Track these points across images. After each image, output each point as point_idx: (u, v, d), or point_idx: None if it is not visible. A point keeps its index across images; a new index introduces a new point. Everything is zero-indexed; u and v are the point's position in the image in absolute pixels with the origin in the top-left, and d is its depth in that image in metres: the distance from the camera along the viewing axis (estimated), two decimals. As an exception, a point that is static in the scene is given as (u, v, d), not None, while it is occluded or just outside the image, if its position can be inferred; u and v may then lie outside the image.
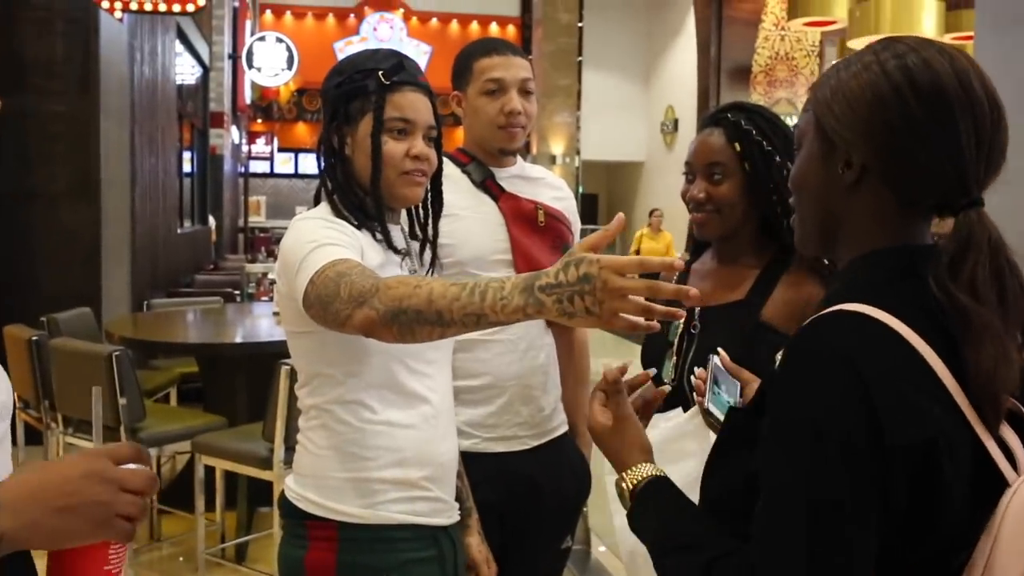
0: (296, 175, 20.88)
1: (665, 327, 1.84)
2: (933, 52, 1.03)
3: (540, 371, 2.15)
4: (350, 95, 1.70)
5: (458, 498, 1.80)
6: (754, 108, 1.83)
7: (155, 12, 6.02)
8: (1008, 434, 0.95)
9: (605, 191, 22.84)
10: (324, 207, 1.70)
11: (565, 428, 2.24)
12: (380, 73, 1.68)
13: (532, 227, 2.17)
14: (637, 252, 13.89)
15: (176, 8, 6.02)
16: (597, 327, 1.19)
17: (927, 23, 14.37)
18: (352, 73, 1.71)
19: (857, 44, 15.35)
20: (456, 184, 2.13)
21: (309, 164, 20.67)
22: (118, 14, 5.84)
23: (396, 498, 1.64)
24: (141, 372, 4.72)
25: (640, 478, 1.16)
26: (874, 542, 0.92)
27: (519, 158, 2.25)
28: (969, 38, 12.59)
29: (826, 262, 1.74)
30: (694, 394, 1.44)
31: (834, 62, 1.11)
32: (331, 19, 21.29)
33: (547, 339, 2.20)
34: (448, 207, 1.96)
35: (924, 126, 1.00)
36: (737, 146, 1.77)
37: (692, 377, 1.45)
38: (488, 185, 2.16)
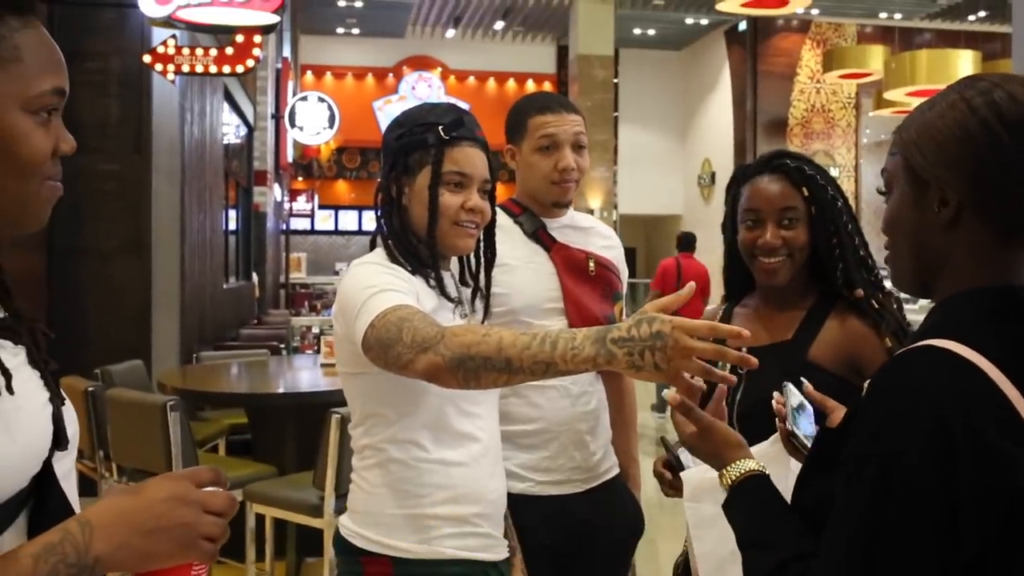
0: (336, 232, 21.14)
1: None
2: (1017, 86, 1.04)
3: (591, 416, 2.20)
4: (410, 148, 1.76)
5: (504, 536, 1.85)
6: (803, 156, 1.89)
7: (206, 73, 6.20)
8: None
9: (643, 245, 22.90)
10: (380, 252, 1.77)
11: (616, 471, 2.28)
12: (440, 128, 1.75)
13: (583, 276, 2.23)
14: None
15: (226, 69, 6.20)
16: (659, 381, 1.27)
17: (963, 74, 14.37)
18: (413, 126, 1.78)
19: (893, 96, 15.45)
20: (509, 235, 2.19)
21: (349, 221, 20.94)
22: (170, 76, 6.03)
23: (449, 534, 1.69)
24: (191, 424, 4.81)
25: (739, 473, 1.21)
26: None
27: (570, 207, 2.31)
28: (1006, 88, 12.55)
29: (874, 302, 1.78)
30: (776, 420, 1.48)
31: (917, 104, 1.12)
32: (370, 79, 21.70)
33: (598, 385, 2.25)
34: (501, 257, 2.02)
35: (1015, 157, 1.02)
36: (805, 191, 1.82)
37: (772, 401, 1.49)
38: (540, 235, 2.23)
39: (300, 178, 21.10)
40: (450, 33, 21.40)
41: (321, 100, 15.31)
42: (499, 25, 20.90)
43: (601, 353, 1.28)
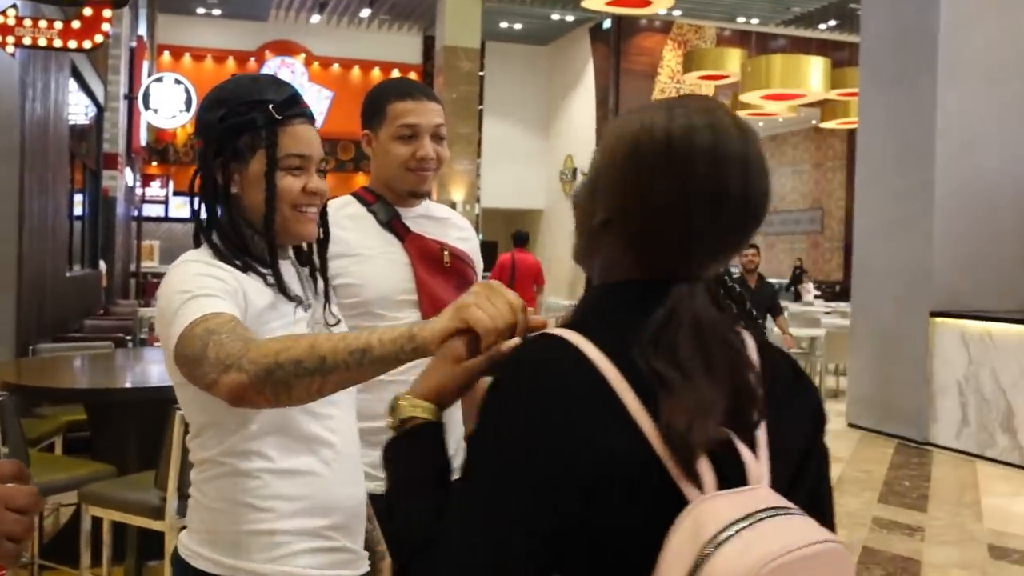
0: (192, 219, 20.49)
1: None
2: (706, 129, 1.01)
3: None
4: (237, 129, 1.58)
5: (370, 543, 1.74)
6: None
7: (50, 48, 5.87)
8: (701, 461, 0.96)
9: (505, 239, 23.01)
10: (204, 250, 1.60)
11: (470, 470, 2.22)
12: (271, 106, 1.59)
13: (438, 268, 2.17)
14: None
15: (72, 44, 5.87)
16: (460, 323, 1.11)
17: (814, 79, 15.03)
18: (237, 105, 1.59)
19: (748, 98, 15.98)
20: (362, 224, 2.12)
21: (206, 208, 20.33)
22: (10, 48, 5.68)
23: (298, 551, 1.55)
24: (25, 421, 4.52)
25: (419, 412, 1.09)
26: (539, 562, 0.94)
27: (425, 198, 2.25)
28: (854, 94, 13.18)
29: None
30: None
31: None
32: (231, 62, 21.11)
33: (451, 381, 2.19)
34: (353, 247, 1.91)
35: (663, 200, 1.00)
36: None
37: None
38: (394, 225, 2.16)
39: (154, 163, 20.38)
40: (315, 19, 21.02)
41: (178, 82, 14.80)
42: (365, 13, 20.66)
43: (416, 324, 1.18)
